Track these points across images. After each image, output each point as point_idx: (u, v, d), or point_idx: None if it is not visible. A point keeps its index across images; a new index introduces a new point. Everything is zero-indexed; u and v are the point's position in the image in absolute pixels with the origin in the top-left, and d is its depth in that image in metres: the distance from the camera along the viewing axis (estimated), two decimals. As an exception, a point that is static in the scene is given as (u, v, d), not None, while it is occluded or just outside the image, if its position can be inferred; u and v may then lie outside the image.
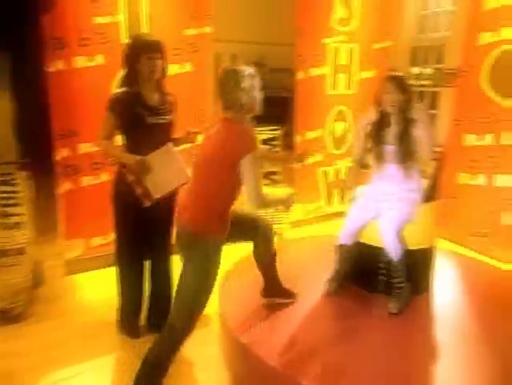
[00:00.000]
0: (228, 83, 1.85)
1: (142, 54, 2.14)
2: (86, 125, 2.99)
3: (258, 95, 1.90)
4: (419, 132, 2.28)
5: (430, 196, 2.51)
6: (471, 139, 3.61)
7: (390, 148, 2.33)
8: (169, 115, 2.28)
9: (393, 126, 2.33)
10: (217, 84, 1.90)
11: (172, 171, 2.24)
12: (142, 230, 2.34)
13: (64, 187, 3.08)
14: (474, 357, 2.00)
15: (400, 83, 2.26)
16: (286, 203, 2.14)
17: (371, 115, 2.40)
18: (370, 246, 2.47)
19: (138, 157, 2.14)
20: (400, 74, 2.37)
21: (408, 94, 2.28)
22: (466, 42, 3.66)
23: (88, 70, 2.99)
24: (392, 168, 2.35)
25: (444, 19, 4.94)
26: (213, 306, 2.55)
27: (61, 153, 3.02)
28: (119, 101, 2.15)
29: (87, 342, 2.48)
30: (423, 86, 4.83)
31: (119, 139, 2.33)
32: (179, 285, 1.96)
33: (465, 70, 3.62)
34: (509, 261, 3.37)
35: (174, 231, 2.14)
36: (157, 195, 2.22)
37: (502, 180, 3.44)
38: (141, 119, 2.16)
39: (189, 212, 1.92)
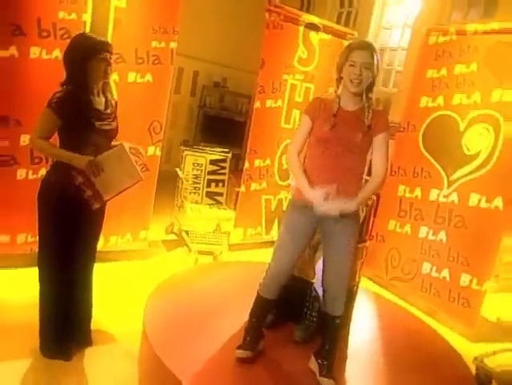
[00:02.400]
0: None
1: (95, 53, 2.03)
2: (30, 117, 2.87)
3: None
4: None
5: (360, 237, 2.69)
6: (403, 191, 3.91)
7: None
8: (114, 120, 2.20)
9: None
10: None
11: (125, 170, 2.14)
12: (78, 234, 2.20)
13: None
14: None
15: None
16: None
17: None
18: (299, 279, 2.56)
19: (90, 158, 2.02)
20: None
21: None
22: (409, 101, 4.01)
23: (44, 63, 2.91)
24: None
25: (393, 77, 5.41)
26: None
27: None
28: (64, 102, 2.00)
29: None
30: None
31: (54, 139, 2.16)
32: None
33: (405, 126, 3.96)
34: (423, 309, 3.61)
35: None
36: (108, 196, 2.14)
37: (424, 232, 3.74)
38: (88, 124, 2.05)
39: None
